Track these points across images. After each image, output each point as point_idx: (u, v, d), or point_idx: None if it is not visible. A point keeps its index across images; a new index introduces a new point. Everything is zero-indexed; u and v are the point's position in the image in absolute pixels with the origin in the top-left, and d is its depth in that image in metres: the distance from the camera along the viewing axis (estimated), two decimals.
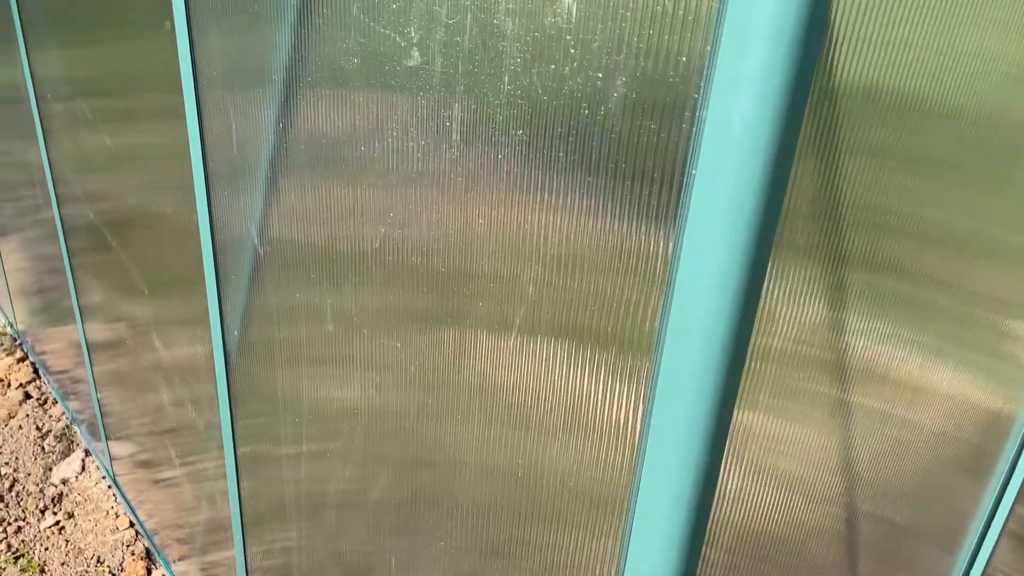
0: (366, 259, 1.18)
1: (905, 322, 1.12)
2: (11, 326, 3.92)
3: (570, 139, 0.83)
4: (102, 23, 2.09)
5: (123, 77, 2.08)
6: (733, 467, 0.94)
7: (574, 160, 0.83)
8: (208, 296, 1.85)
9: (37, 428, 3.36)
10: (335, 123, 1.16)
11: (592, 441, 0.89)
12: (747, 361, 0.75)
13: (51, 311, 3.30)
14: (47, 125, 2.78)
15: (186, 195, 1.77)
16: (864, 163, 0.88)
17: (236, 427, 1.97)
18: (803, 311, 0.91)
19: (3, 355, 3.74)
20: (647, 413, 0.80)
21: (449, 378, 1.09)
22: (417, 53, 0.97)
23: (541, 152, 0.86)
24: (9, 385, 3.60)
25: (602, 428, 0.87)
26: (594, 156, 0.80)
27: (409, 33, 0.97)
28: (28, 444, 3.29)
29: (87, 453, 3.25)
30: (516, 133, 0.88)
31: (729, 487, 0.96)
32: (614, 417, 0.85)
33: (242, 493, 2.10)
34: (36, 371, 3.66)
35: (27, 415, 3.41)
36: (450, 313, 1.04)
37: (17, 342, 3.84)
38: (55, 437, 3.33)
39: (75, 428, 3.36)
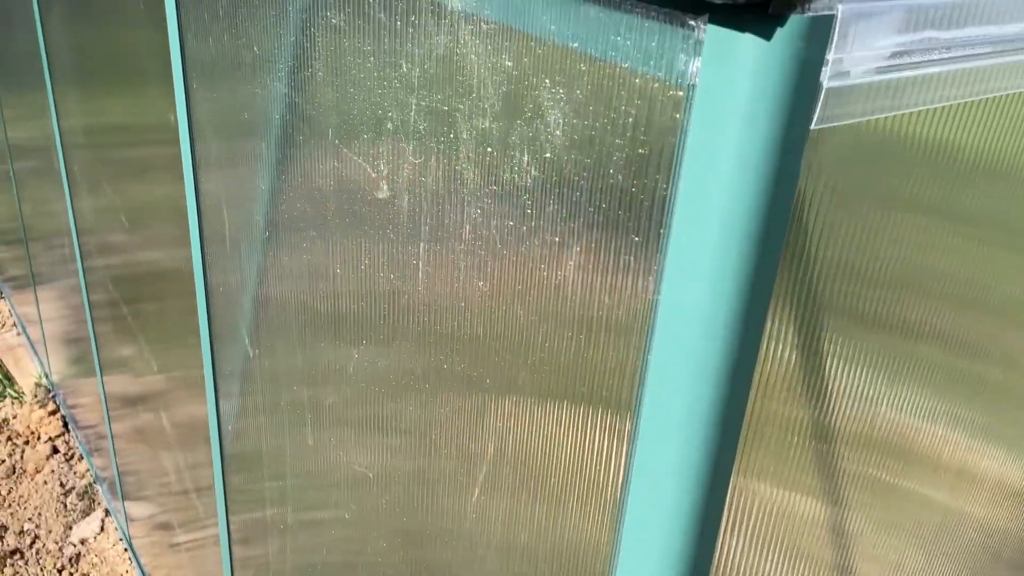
0: (346, 372, 1.15)
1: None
2: (46, 376, 3.97)
3: (528, 299, 0.78)
4: (112, 77, 2.12)
5: (131, 131, 2.09)
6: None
7: (533, 319, 0.79)
8: (203, 358, 1.84)
9: (61, 484, 3.37)
10: (315, 243, 1.14)
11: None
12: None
13: (80, 364, 3.33)
14: (71, 176, 2.82)
15: (185, 253, 1.76)
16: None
17: (228, 493, 1.95)
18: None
19: (36, 407, 3.78)
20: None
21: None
22: (386, 187, 0.94)
23: (501, 308, 0.82)
24: (39, 439, 3.63)
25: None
26: (552, 319, 0.76)
27: (379, 165, 0.94)
28: (51, 500, 3.30)
29: (107, 513, 3.25)
30: (478, 284, 0.84)
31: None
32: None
33: (234, 563, 2.07)
34: (66, 424, 3.69)
35: (52, 470, 3.43)
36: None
37: (51, 394, 3.88)
38: (78, 495, 3.33)
39: (97, 486, 3.37)
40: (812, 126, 0.57)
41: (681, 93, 0.59)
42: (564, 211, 0.71)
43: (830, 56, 0.55)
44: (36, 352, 4.10)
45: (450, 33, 0.78)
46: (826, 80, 0.56)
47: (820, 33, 0.54)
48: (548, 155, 0.71)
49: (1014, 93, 0.76)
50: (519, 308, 0.79)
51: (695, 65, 0.57)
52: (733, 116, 0.55)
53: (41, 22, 2.76)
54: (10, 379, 4.05)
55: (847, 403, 0.89)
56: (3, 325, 4.53)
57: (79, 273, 2.98)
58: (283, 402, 1.42)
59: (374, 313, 1.04)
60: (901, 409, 0.97)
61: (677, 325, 0.63)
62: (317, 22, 0.99)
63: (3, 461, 3.50)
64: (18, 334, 4.40)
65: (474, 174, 0.80)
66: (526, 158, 0.73)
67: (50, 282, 3.58)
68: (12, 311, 4.52)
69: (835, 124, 0.59)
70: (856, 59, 0.57)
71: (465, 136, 0.80)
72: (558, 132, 0.70)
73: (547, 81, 0.69)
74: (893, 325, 0.89)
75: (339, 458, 1.26)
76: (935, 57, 0.62)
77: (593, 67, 0.65)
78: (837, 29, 0.55)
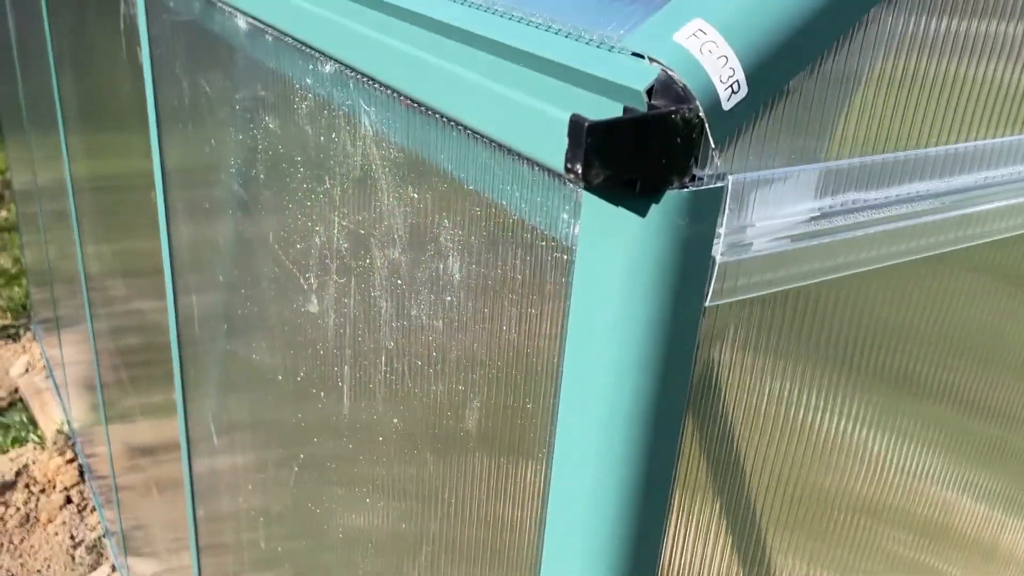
0: (289, 479, 1.09)
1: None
2: (68, 424, 3.98)
3: (438, 447, 0.72)
4: (105, 124, 2.10)
5: (118, 178, 2.07)
6: None
7: (441, 466, 0.72)
8: (178, 421, 1.80)
9: (71, 536, 3.36)
10: (261, 346, 1.09)
11: None
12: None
13: (95, 412, 3.33)
14: (80, 220, 2.83)
15: (163, 314, 1.72)
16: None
17: (201, 556, 1.90)
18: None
19: (56, 454, 3.79)
20: None
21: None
22: (315, 301, 0.89)
23: (412, 451, 0.76)
24: (54, 488, 3.62)
25: None
26: (458, 465, 0.70)
27: (310, 278, 0.89)
28: (60, 552, 3.28)
29: (113, 569, 3.21)
30: (393, 420, 0.78)
31: None
32: None
33: None
34: (82, 474, 3.68)
35: (64, 521, 3.42)
36: None
37: (70, 441, 3.89)
38: (87, 548, 3.31)
39: (106, 540, 3.34)
40: (706, 302, 0.50)
41: (566, 257, 0.53)
42: (465, 360, 0.65)
43: (721, 229, 0.48)
44: (60, 397, 4.12)
45: (364, 155, 0.73)
46: (719, 254, 0.49)
47: (707, 206, 0.47)
48: (449, 298, 0.65)
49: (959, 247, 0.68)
50: (429, 455, 0.73)
51: (576, 229, 0.51)
52: (611, 289, 0.49)
53: (55, 66, 2.79)
54: (34, 423, 4.07)
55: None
56: (35, 367, 4.57)
57: (87, 320, 2.98)
58: (241, 498, 1.36)
59: (310, 424, 0.98)
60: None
61: (567, 505, 0.56)
62: (259, 123, 0.95)
63: (18, 509, 3.50)
64: (47, 377, 4.43)
65: (387, 304, 0.74)
66: (432, 297, 0.68)
67: (71, 326, 3.60)
68: (42, 353, 4.56)
69: (740, 297, 0.52)
70: (761, 229, 0.50)
71: (379, 263, 0.74)
72: (457, 276, 0.64)
73: (447, 221, 0.64)
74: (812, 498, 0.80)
75: (290, 547, 1.20)
76: (864, 218, 0.55)
77: (488, 212, 0.59)
78: (728, 200, 0.48)
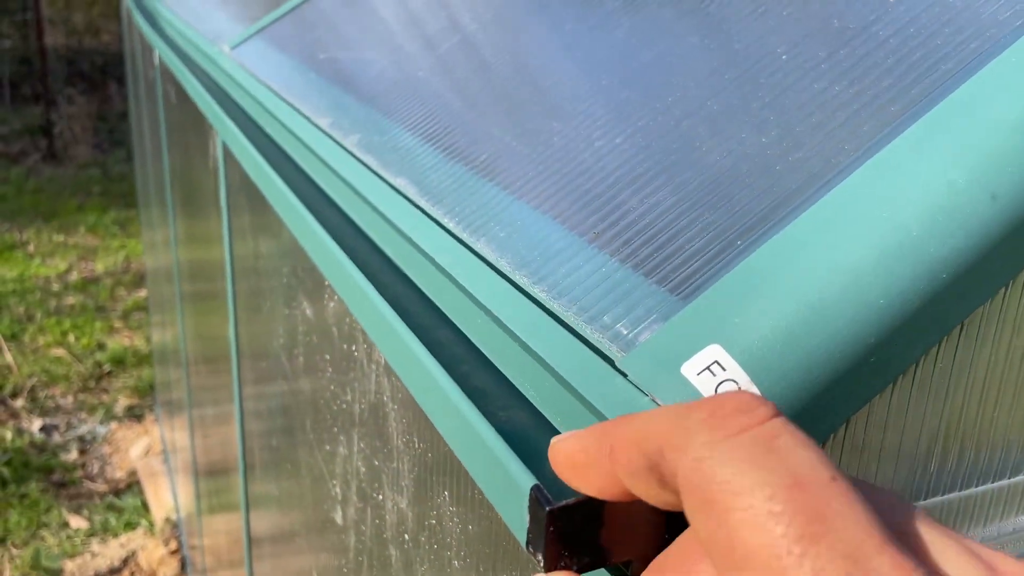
0: None
1: None
2: (176, 511, 4.03)
3: None
4: (197, 211, 2.11)
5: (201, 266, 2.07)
6: None
7: None
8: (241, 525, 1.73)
9: None
10: (300, 550, 1.00)
11: None
12: None
13: (195, 502, 3.34)
14: (183, 308, 2.86)
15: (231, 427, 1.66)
16: None
17: None
18: None
19: (161, 544, 3.83)
20: None
21: None
22: (340, 513, 0.80)
23: None
24: None
25: None
26: None
27: (335, 487, 0.80)
28: None
29: None
30: None
31: None
32: None
33: None
34: (184, 566, 3.70)
35: None
36: None
37: (176, 531, 3.93)
38: None
39: None
40: None
41: None
42: None
43: None
44: (172, 483, 4.19)
45: (377, 382, 0.64)
46: None
47: None
48: None
49: None
50: None
51: None
52: None
53: (168, 168, 2.88)
54: (147, 508, 4.14)
55: None
56: (153, 450, 4.69)
57: (187, 406, 3.01)
58: None
59: None
60: None
61: None
62: (299, 305, 0.88)
63: None
64: (164, 461, 4.53)
65: (396, 556, 0.64)
66: (434, 570, 0.57)
67: (181, 411, 3.66)
68: (162, 436, 4.69)
69: None
70: None
71: (389, 506, 0.65)
72: (456, 563, 0.53)
73: (447, 493, 0.54)
74: None
75: None
76: None
77: (488, 513, 0.49)
78: None
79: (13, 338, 5.36)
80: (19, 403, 4.84)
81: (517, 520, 0.34)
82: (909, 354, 0.36)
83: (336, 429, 0.77)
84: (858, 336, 0.34)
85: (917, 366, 0.37)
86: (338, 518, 0.80)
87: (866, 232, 0.35)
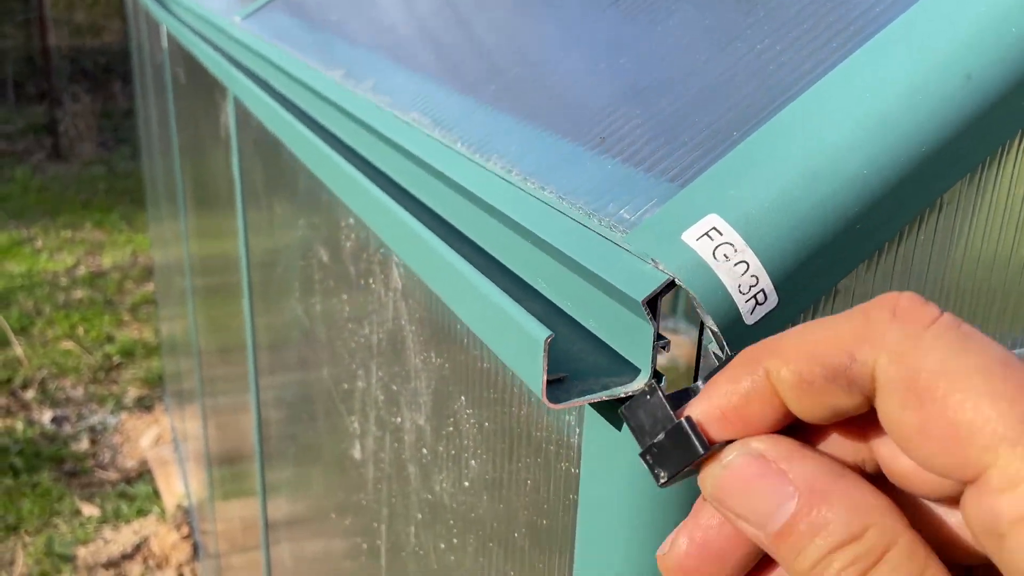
0: None
1: None
2: (188, 497, 4.07)
3: None
4: (210, 216, 2.14)
5: (217, 262, 2.11)
6: None
7: None
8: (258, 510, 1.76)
9: None
10: (313, 486, 1.04)
11: None
12: None
13: (207, 488, 3.38)
14: (194, 298, 2.89)
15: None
16: None
17: None
18: None
19: (172, 530, 3.87)
20: None
21: None
22: (359, 448, 0.83)
23: None
24: (168, 563, 3.69)
25: None
26: None
27: (354, 423, 0.83)
28: None
29: None
30: None
31: None
32: None
33: None
34: (196, 551, 3.74)
35: None
36: None
37: (188, 517, 3.97)
38: None
39: None
40: None
41: (575, 470, 0.45)
42: (482, 557, 0.57)
43: None
44: (182, 470, 4.23)
45: (395, 308, 0.67)
46: None
47: None
48: (466, 483, 0.58)
49: None
50: None
51: (580, 439, 0.43)
52: (617, 538, 0.41)
53: (179, 156, 2.91)
54: (158, 495, 4.18)
55: None
56: (164, 439, 4.73)
57: (199, 395, 3.05)
58: None
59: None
60: None
61: None
62: (316, 253, 0.91)
63: None
64: (174, 450, 4.57)
65: (415, 472, 0.68)
66: (451, 476, 0.61)
67: (192, 400, 3.70)
68: (171, 425, 4.73)
69: None
70: None
71: (408, 426, 0.68)
72: (473, 462, 0.56)
73: (463, 398, 0.57)
74: None
75: None
76: None
77: (501, 397, 0.52)
78: None
79: (23, 331, 5.41)
80: (30, 395, 4.88)
81: (534, 378, 0.37)
82: (892, 224, 0.39)
83: (355, 366, 0.80)
84: (843, 204, 0.37)
85: (901, 238, 0.40)
86: (356, 453, 0.83)
87: (850, 112, 0.38)
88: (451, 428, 0.59)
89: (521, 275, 0.48)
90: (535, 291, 0.47)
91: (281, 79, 0.96)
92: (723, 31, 0.50)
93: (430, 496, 0.65)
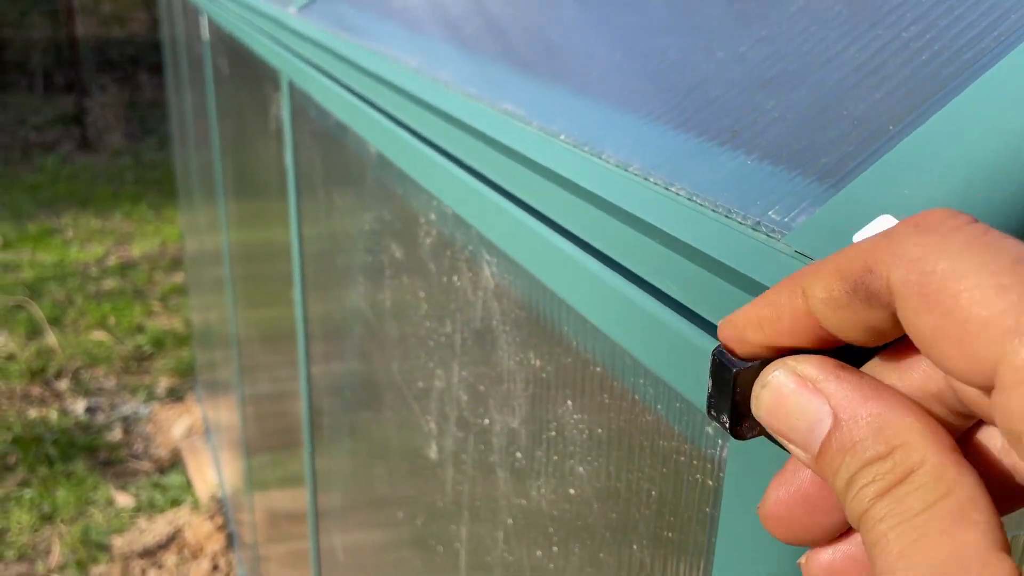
0: None
1: None
2: (221, 487, 4.08)
3: None
4: (254, 211, 2.14)
5: (263, 252, 2.10)
6: None
7: None
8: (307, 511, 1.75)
9: None
10: (382, 481, 1.02)
11: None
12: None
13: (243, 478, 3.38)
14: (234, 288, 2.89)
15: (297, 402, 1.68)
16: None
17: None
18: None
19: (207, 520, 3.88)
20: None
21: None
22: (435, 448, 0.81)
23: None
24: (203, 553, 3.70)
25: None
26: None
27: (430, 422, 0.81)
28: None
29: None
30: None
31: None
32: None
33: None
34: (231, 541, 3.75)
35: None
36: None
37: (222, 507, 3.98)
38: None
39: None
40: None
41: (711, 483, 0.43)
42: (590, 567, 0.55)
43: None
44: (216, 460, 4.25)
45: (485, 307, 0.65)
46: None
47: None
48: (572, 491, 0.56)
49: None
50: None
51: (724, 452, 0.41)
52: (768, 552, 0.38)
53: (219, 145, 2.90)
54: (191, 485, 4.20)
55: None
56: (196, 429, 4.75)
57: (238, 385, 3.04)
58: None
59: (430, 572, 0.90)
60: None
61: None
62: (386, 248, 0.89)
63: (171, 572, 3.59)
64: (206, 440, 4.59)
65: (505, 476, 0.66)
66: (552, 483, 0.58)
67: (226, 390, 3.70)
68: (203, 415, 4.75)
69: None
70: None
71: (497, 428, 0.66)
72: (581, 469, 0.54)
73: (570, 403, 0.54)
74: None
75: None
76: None
77: (617, 403, 0.50)
78: None
79: (55, 322, 5.44)
80: (63, 385, 4.92)
81: (692, 383, 0.35)
82: None
83: (432, 364, 0.78)
84: None
85: None
86: (432, 453, 0.81)
87: None
88: (552, 433, 0.57)
89: (646, 277, 0.46)
90: (665, 296, 0.44)
91: (348, 71, 0.94)
92: (859, 17, 0.47)
93: (523, 501, 0.63)
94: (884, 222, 0.35)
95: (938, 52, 0.41)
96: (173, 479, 4.25)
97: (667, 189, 0.46)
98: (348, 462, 1.30)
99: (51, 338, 5.20)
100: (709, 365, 0.34)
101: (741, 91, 0.48)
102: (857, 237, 0.35)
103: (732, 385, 0.32)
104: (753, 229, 0.40)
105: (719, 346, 0.34)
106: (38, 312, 5.41)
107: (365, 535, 1.27)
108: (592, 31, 0.65)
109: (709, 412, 0.34)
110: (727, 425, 0.33)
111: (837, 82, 0.44)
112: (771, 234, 0.39)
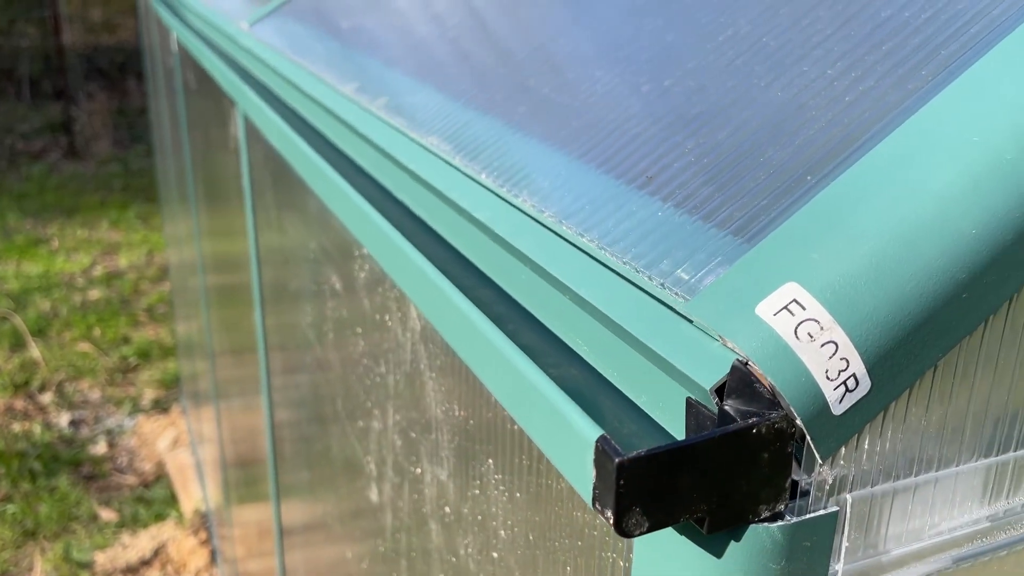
0: None
1: None
2: (205, 502, 4.04)
3: None
4: (222, 224, 2.09)
5: (229, 264, 2.06)
6: None
7: None
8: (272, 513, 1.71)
9: None
10: (332, 529, 0.98)
11: None
12: None
13: (223, 492, 3.34)
14: (208, 299, 2.85)
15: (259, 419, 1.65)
16: None
17: None
18: None
19: (190, 535, 3.84)
20: None
21: None
22: (375, 490, 0.77)
23: None
24: (187, 570, 3.66)
25: None
26: None
27: (370, 463, 0.78)
28: None
29: None
30: None
31: None
32: None
33: None
34: (214, 556, 3.71)
35: None
36: None
37: (205, 522, 3.94)
38: None
39: None
40: None
41: (624, 564, 0.39)
42: None
43: (838, 567, 0.34)
44: (200, 473, 4.20)
45: (413, 350, 0.62)
46: None
47: (814, 539, 0.33)
48: (495, 555, 0.52)
49: None
50: None
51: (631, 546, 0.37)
52: None
53: (191, 158, 2.87)
54: (175, 499, 4.16)
55: None
56: (181, 442, 4.70)
57: (213, 398, 3.00)
58: None
59: None
60: None
61: None
62: (327, 277, 0.85)
63: None
64: (192, 453, 4.55)
65: (437, 529, 0.62)
66: (478, 542, 0.55)
67: (207, 403, 3.66)
68: (188, 428, 4.70)
69: None
70: (901, 556, 0.35)
71: (428, 479, 0.62)
72: (502, 532, 0.51)
73: (491, 461, 0.51)
74: None
75: None
76: None
77: (536, 467, 0.46)
78: (847, 527, 0.33)
79: (39, 333, 5.39)
80: (47, 398, 4.86)
81: (580, 477, 0.31)
82: (1003, 290, 0.33)
83: (370, 404, 0.74)
84: (949, 269, 0.31)
85: (1011, 303, 0.34)
86: (373, 495, 0.78)
87: (955, 156, 0.32)
88: (475, 491, 0.53)
89: (558, 333, 0.42)
90: (573, 354, 0.41)
91: (290, 92, 0.90)
92: (785, 51, 0.44)
93: (453, 558, 0.59)
94: (789, 291, 0.32)
95: (863, 94, 0.38)
96: (157, 493, 4.21)
97: (580, 237, 0.42)
98: (307, 476, 1.27)
99: (35, 351, 5.15)
100: (592, 454, 0.30)
101: (662, 128, 0.45)
102: (760, 309, 0.32)
103: (616, 476, 0.29)
104: (661, 287, 0.36)
105: (603, 435, 0.31)
106: (22, 325, 5.35)
107: (325, 551, 1.24)
108: (529, 61, 0.61)
109: (594, 504, 0.31)
110: (610, 518, 0.29)
111: (760, 123, 0.41)
112: (677, 295, 0.35)
